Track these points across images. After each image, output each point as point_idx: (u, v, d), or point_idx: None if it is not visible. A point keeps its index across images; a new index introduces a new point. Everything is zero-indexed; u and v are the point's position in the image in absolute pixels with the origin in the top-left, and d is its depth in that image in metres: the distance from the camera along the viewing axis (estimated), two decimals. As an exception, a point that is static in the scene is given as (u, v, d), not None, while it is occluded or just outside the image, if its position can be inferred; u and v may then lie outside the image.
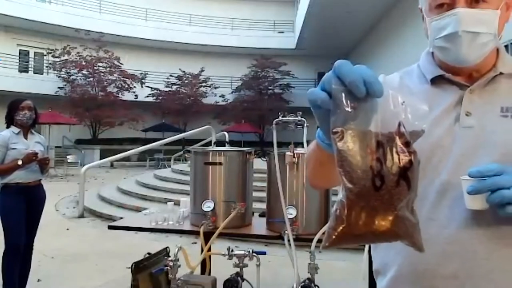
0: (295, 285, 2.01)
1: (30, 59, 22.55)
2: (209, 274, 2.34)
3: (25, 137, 3.38)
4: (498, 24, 0.87)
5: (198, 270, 2.23)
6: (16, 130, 3.33)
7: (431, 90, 0.94)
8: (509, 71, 0.91)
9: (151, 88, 23.03)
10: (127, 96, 22.08)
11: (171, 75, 23.38)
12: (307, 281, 2.10)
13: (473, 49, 0.87)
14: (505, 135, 0.85)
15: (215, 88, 24.19)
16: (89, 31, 21.11)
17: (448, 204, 0.86)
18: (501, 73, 0.91)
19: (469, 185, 0.77)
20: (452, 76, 0.93)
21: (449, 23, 0.87)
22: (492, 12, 0.86)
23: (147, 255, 1.98)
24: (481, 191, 0.75)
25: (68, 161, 15.68)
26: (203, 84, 23.88)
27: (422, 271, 0.87)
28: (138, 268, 1.88)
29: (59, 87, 21.33)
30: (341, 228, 0.55)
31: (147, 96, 23.06)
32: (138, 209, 6.25)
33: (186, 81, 23.59)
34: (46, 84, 21.38)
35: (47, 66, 22.66)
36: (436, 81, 0.95)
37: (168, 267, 1.94)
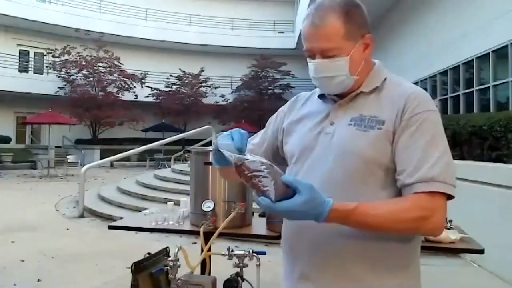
0: (295, 285, 2.01)
1: (30, 59, 22.56)
2: (209, 274, 2.33)
3: None
4: (350, 65, 1.12)
5: (198, 270, 2.23)
6: None
7: (319, 103, 1.25)
8: (367, 90, 1.16)
9: (151, 88, 23.03)
10: (127, 96, 22.09)
11: (171, 75, 23.38)
12: (307, 281, 2.09)
13: (331, 86, 1.16)
14: (343, 140, 1.12)
15: (215, 88, 24.19)
16: (89, 31, 21.12)
17: None
18: (362, 92, 1.16)
19: None
20: (329, 94, 1.22)
21: (311, 69, 1.16)
22: (342, 60, 1.12)
23: (147, 255, 1.98)
24: None
25: (68, 161, 15.67)
26: (203, 84, 23.88)
27: (285, 239, 1.24)
28: (138, 268, 1.88)
29: (59, 87, 21.34)
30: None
31: (147, 96, 23.06)
32: (138, 209, 6.25)
33: (186, 81, 23.59)
34: (46, 84, 21.39)
35: (47, 66, 22.67)
36: (322, 96, 1.24)
37: (168, 267, 1.94)
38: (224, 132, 1.10)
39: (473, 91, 10.17)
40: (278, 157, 1.34)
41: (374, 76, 1.18)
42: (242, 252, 2.09)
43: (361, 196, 1.05)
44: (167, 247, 2.04)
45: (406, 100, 1.09)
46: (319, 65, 1.13)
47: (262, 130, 1.41)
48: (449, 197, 1.03)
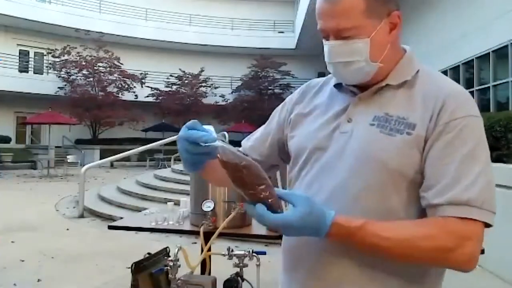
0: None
1: (30, 59, 22.56)
2: (209, 274, 2.33)
3: None
4: (372, 49, 0.92)
5: (198, 270, 2.23)
6: None
7: (335, 94, 1.04)
8: (395, 83, 0.95)
9: (151, 88, 23.04)
10: (127, 96, 22.10)
11: (171, 75, 23.38)
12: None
13: (348, 74, 0.95)
14: (363, 143, 0.91)
15: (215, 88, 24.19)
16: (89, 31, 21.12)
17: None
18: (388, 85, 0.95)
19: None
20: (347, 84, 1.00)
21: (325, 53, 0.96)
22: (361, 42, 0.91)
23: (147, 255, 1.98)
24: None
25: (68, 161, 15.67)
26: (203, 84, 23.89)
27: (285, 260, 1.05)
28: (138, 268, 1.88)
29: (59, 87, 21.35)
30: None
31: (147, 96, 23.06)
32: (138, 209, 6.25)
33: (186, 81, 23.60)
34: (46, 84, 21.39)
35: (47, 66, 22.67)
36: (339, 86, 1.03)
37: (168, 267, 1.94)
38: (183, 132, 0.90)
39: (473, 91, 10.17)
40: (284, 154, 1.13)
41: (404, 66, 0.97)
42: (242, 252, 2.09)
43: (378, 214, 0.88)
44: (167, 247, 2.04)
45: (444, 100, 0.88)
46: (333, 48, 0.94)
47: (263, 126, 1.21)
48: (486, 224, 0.84)
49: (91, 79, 21.41)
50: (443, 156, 0.85)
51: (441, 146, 0.86)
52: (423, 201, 0.87)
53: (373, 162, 0.89)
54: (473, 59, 10.14)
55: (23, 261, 4.59)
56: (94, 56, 21.14)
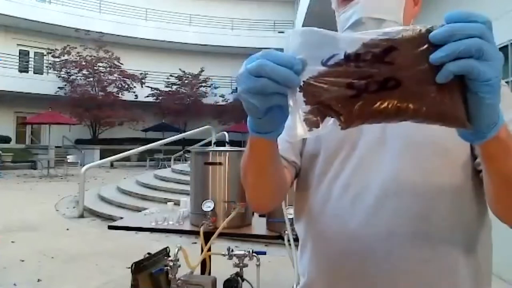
0: (295, 285, 2.01)
1: (30, 59, 22.55)
2: (209, 274, 2.33)
3: None
4: (404, 12, 0.85)
5: (198, 270, 2.23)
6: None
7: None
8: None
9: (151, 88, 23.04)
10: (127, 96, 22.10)
11: (171, 75, 23.39)
12: (307, 281, 2.08)
13: None
14: (407, 125, 0.75)
15: (215, 88, 24.21)
16: (89, 31, 21.12)
17: (350, 199, 0.83)
18: None
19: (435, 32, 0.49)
20: None
21: (353, 12, 0.84)
22: (397, 0, 0.84)
23: (147, 255, 1.98)
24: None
25: (68, 161, 15.68)
26: (203, 84, 23.90)
27: (326, 270, 0.88)
28: (138, 268, 1.88)
29: (59, 87, 21.34)
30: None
31: (147, 96, 23.07)
32: (138, 209, 6.25)
33: (186, 81, 23.61)
34: (46, 84, 21.38)
35: (47, 66, 22.66)
36: None
37: (168, 267, 1.94)
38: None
39: (473, 91, 10.18)
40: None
41: None
42: (242, 252, 2.09)
43: (446, 207, 0.79)
44: (167, 247, 2.04)
45: None
46: (369, 3, 0.82)
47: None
48: None
49: (91, 79, 21.41)
50: None
51: None
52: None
53: (424, 144, 0.79)
54: (473, 59, 10.15)
55: (23, 261, 4.59)
56: (94, 56, 21.14)
